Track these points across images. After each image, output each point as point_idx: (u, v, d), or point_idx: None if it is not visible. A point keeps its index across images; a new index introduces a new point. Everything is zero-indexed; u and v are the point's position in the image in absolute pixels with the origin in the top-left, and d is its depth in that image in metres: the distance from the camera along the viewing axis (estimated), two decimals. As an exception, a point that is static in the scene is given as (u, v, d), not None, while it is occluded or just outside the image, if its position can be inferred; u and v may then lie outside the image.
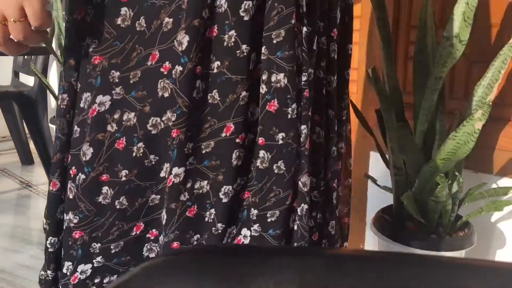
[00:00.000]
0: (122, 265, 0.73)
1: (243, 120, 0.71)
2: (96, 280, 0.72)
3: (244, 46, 0.68)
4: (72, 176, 0.71)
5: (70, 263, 0.72)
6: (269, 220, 0.71)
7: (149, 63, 0.68)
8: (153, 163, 0.71)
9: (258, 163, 0.71)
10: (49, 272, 0.75)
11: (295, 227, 0.73)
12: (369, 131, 1.34)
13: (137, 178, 0.70)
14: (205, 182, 0.72)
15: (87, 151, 0.69)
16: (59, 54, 1.81)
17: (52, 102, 2.88)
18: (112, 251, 0.72)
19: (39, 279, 0.76)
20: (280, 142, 0.70)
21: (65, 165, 0.73)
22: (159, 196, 0.72)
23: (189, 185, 0.71)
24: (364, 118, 1.34)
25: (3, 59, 2.56)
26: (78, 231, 0.71)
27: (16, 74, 2.69)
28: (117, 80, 0.69)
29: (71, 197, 0.71)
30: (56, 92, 1.82)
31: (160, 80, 0.68)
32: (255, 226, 0.72)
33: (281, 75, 0.68)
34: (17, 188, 2.47)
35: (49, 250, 0.75)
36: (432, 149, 1.22)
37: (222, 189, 0.72)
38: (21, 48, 0.64)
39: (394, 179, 1.25)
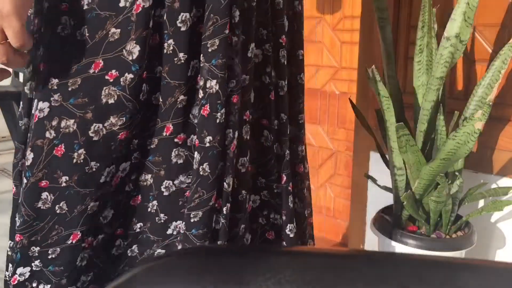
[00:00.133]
0: (55, 276, 0.74)
1: (182, 121, 0.77)
2: (34, 285, 0.73)
3: (181, 54, 0.74)
4: (22, 180, 0.74)
5: (11, 265, 0.74)
6: (192, 220, 0.75)
7: (91, 71, 0.70)
8: (94, 169, 0.72)
9: (194, 164, 0.76)
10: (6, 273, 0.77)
11: (220, 226, 0.78)
12: (369, 131, 1.34)
13: (76, 185, 0.72)
14: (149, 175, 0.78)
15: (29, 156, 0.71)
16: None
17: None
18: (49, 257, 0.73)
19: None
20: (207, 145, 0.75)
21: (21, 170, 0.77)
22: (98, 203, 0.74)
23: (133, 177, 0.77)
24: (364, 118, 1.34)
25: (3, 59, 2.56)
26: (19, 235, 0.72)
27: (16, 74, 2.69)
28: (55, 87, 0.70)
29: (19, 200, 0.74)
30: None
31: (104, 87, 0.70)
32: (182, 225, 0.77)
33: (214, 82, 0.73)
34: (17, 188, 2.46)
35: (8, 253, 0.77)
36: (432, 149, 1.22)
37: (164, 183, 0.78)
38: (4, 74, 0.66)
39: (394, 179, 1.25)
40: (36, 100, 0.71)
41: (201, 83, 0.74)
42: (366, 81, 1.57)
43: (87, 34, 0.70)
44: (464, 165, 1.23)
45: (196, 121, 0.77)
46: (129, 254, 0.81)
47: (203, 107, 0.74)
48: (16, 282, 0.73)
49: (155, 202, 0.79)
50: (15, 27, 0.59)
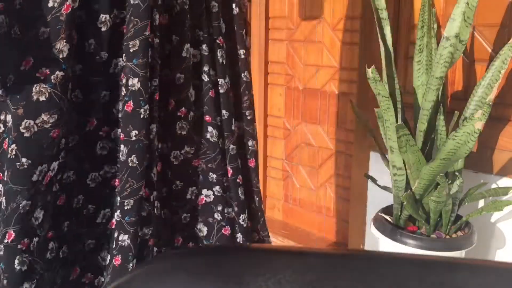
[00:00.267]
0: None
1: (105, 115, 0.82)
2: None
3: (103, 53, 0.78)
4: None
5: None
6: (125, 208, 0.81)
7: (22, 68, 0.72)
8: (25, 166, 0.72)
9: (120, 156, 0.81)
10: None
11: (146, 213, 0.83)
12: (369, 131, 1.34)
13: (10, 180, 0.72)
14: (71, 172, 0.82)
15: None
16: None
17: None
18: None
19: None
20: (134, 138, 0.80)
21: None
22: (30, 202, 0.74)
23: (59, 176, 0.79)
24: (364, 118, 1.34)
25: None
26: None
27: None
28: None
29: None
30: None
31: (36, 85, 0.72)
32: (118, 212, 0.82)
33: (135, 80, 0.78)
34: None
35: None
36: (432, 149, 1.22)
37: (89, 176, 0.83)
38: None
39: (394, 179, 1.25)
40: None
41: (124, 81, 0.79)
42: (366, 81, 1.57)
43: (18, 33, 0.71)
44: (464, 165, 1.23)
45: (120, 115, 0.81)
46: (61, 256, 0.81)
47: (126, 103, 0.79)
48: None
49: (80, 197, 0.83)
50: None
